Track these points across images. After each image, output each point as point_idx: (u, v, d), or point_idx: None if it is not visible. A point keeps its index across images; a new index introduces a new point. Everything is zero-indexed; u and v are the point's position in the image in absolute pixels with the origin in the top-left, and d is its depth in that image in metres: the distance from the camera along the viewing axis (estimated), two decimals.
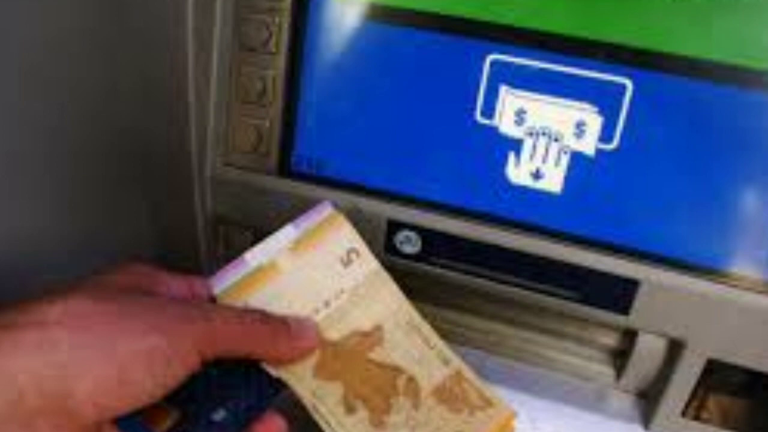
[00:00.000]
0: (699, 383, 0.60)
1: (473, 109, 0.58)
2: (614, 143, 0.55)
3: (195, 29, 0.60)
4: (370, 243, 0.52)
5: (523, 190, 0.58)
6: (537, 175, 0.58)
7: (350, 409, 0.46)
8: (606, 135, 0.55)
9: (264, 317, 0.45)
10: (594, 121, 0.55)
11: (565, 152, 0.56)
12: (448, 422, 0.47)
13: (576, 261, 0.58)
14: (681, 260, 0.56)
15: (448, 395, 0.48)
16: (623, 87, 0.54)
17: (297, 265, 0.50)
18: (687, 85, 0.52)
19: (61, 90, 0.55)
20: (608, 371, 0.68)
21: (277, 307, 0.48)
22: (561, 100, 0.55)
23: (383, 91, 0.60)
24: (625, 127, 0.54)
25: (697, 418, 0.62)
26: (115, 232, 0.65)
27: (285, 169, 0.64)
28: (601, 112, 0.55)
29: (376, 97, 0.60)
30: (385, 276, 0.51)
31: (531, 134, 0.57)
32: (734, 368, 0.58)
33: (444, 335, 0.51)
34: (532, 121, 0.57)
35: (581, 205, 0.57)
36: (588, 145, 0.56)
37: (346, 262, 0.51)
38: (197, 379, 0.41)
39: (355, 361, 0.48)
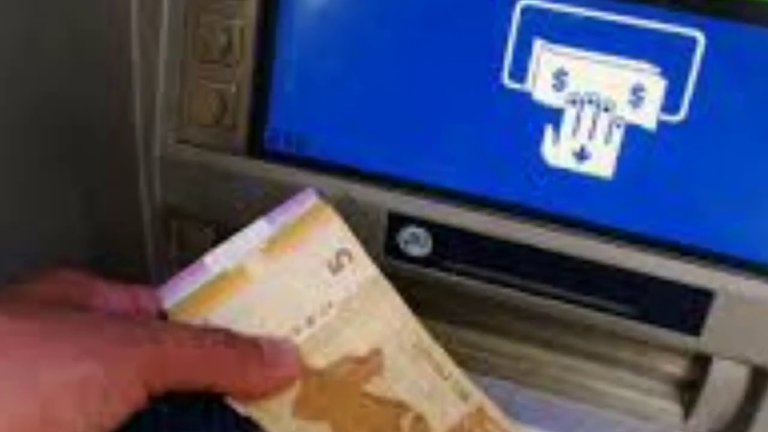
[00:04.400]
0: None
1: (500, 69, 0.58)
2: (681, 114, 0.55)
3: None
4: (367, 242, 0.52)
5: (564, 174, 0.59)
6: (582, 155, 0.58)
7: None
8: (671, 103, 0.55)
9: (229, 338, 0.45)
10: (655, 86, 0.55)
11: (618, 125, 0.57)
12: None
13: (632, 266, 0.58)
14: (766, 266, 0.56)
15: None
16: (692, 41, 0.54)
17: (272, 270, 0.50)
18: None
19: None
20: (674, 408, 0.68)
21: (246, 325, 0.48)
22: (612, 59, 0.56)
23: (383, 46, 0.60)
24: (695, 93, 0.55)
25: None
26: (38, 228, 0.65)
27: (256, 148, 0.64)
28: (665, 73, 0.55)
29: (374, 54, 0.60)
30: (386, 285, 0.52)
31: (574, 102, 0.57)
32: None
33: (462, 362, 0.51)
34: (575, 85, 0.57)
35: (638, 193, 0.57)
36: (648, 117, 0.56)
37: (336, 268, 0.51)
38: (143, 418, 0.41)
39: (346, 396, 0.48)
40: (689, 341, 0.59)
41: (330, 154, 0.63)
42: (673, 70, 0.55)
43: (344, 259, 0.51)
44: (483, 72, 0.58)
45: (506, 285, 0.62)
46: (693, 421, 0.66)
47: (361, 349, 0.50)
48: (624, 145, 0.57)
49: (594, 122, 0.57)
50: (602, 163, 0.58)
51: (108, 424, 0.39)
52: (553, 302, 0.61)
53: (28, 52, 0.60)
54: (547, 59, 0.57)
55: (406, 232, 0.62)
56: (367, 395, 0.49)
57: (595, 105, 0.57)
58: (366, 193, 0.62)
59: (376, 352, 0.50)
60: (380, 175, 0.62)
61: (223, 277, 0.50)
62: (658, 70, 0.55)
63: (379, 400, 0.49)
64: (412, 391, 0.49)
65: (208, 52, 0.63)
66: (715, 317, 0.58)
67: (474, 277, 0.62)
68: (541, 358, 0.71)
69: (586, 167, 0.58)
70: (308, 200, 0.52)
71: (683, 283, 0.58)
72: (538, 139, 0.58)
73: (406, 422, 0.48)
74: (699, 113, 0.55)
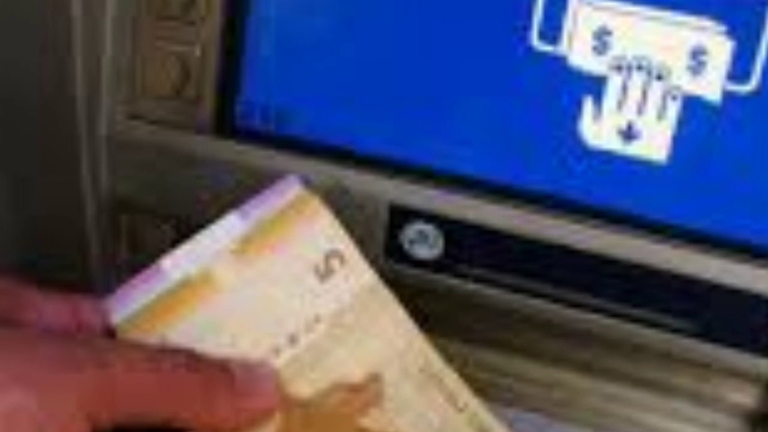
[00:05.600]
0: None
1: (527, 28, 0.58)
2: (752, 83, 0.55)
3: None
4: (363, 242, 0.52)
5: (607, 157, 0.59)
6: (629, 134, 0.58)
7: None
8: (739, 70, 0.55)
9: (192, 361, 0.45)
10: (720, 48, 0.55)
11: (674, 97, 0.57)
12: None
13: (691, 271, 0.58)
14: None
15: None
16: None
17: (245, 277, 0.50)
18: None
19: None
20: None
21: (214, 344, 0.48)
22: (667, 15, 0.56)
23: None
24: None
25: None
26: None
27: (226, 125, 0.65)
28: (732, 33, 0.55)
29: (371, 9, 0.60)
30: (386, 295, 0.52)
31: (619, 68, 0.57)
32: None
33: (481, 390, 0.51)
34: (620, 47, 0.57)
35: (699, 181, 0.58)
36: (711, 86, 0.56)
37: (324, 273, 0.51)
38: None
39: (338, 431, 0.48)
40: (762, 364, 0.60)
41: (317, 133, 0.63)
42: (742, 28, 0.55)
43: (335, 263, 0.51)
44: (507, 32, 0.58)
45: (535, 294, 0.62)
46: None
47: (356, 374, 0.50)
48: (682, 122, 0.57)
49: (644, 93, 0.57)
50: (655, 144, 0.58)
51: None
52: (594, 316, 0.62)
53: None
54: (586, 16, 0.57)
55: (412, 230, 0.62)
56: (363, 431, 0.49)
57: (645, 72, 0.57)
58: (362, 181, 0.62)
59: (375, 378, 0.50)
60: (379, 160, 0.62)
61: (185, 284, 0.50)
62: (723, 28, 0.55)
63: None
64: (419, 427, 0.49)
65: (166, 6, 0.63)
66: None
67: (495, 285, 0.63)
68: (579, 385, 0.71)
69: (635, 149, 0.58)
70: (290, 190, 0.52)
71: (755, 292, 0.58)
72: (575, 114, 0.58)
73: None
74: None
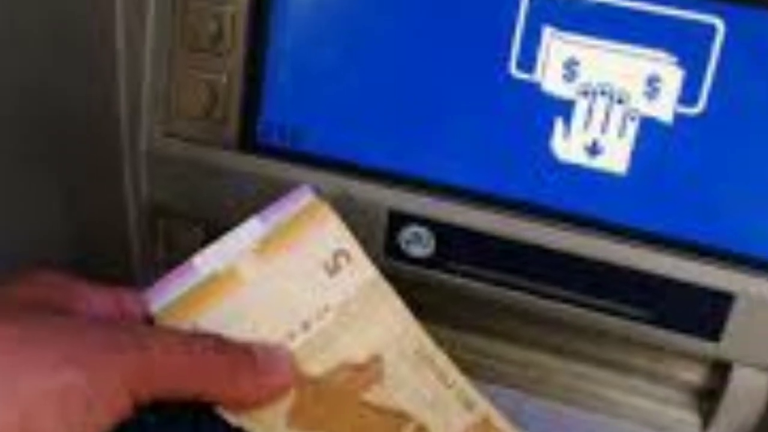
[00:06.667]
0: None
1: (507, 59, 0.58)
2: (699, 106, 0.55)
3: None
4: (366, 242, 0.52)
5: (575, 170, 0.59)
6: (594, 150, 0.58)
7: None
8: (688, 94, 0.55)
9: (219, 344, 0.45)
10: (672, 76, 0.55)
11: (633, 118, 0.57)
12: None
13: (647, 267, 0.58)
14: None
15: None
16: (711, 29, 0.54)
17: (265, 272, 0.50)
18: None
19: None
20: (692, 418, 0.68)
21: (238, 330, 0.48)
22: (627, 47, 0.56)
23: (383, 34, 0.60)
24: (714, 84, 0.55)
25: None
26: (17, 228, 0.65)
27: (248, 142, 0.64)
28: (682, 63, 0.55)
29: (373, 43, 0.60)
30: (386, 288, 0.52)
31: (585, 94, 0.57)
32: None
33: (467, 369, 0.51)
34: (586, 75, 0.57)
35: (654, 190, 0.58)
36: (664, 109, 0.56)
37: (333, 269, 0.51)
38: (129, 429, 0.41)
39: (344, 405, 0.48)
40: (708, 347, 0.59)
41: (327, 149, 0.63)
42: (691, 59, 0.55)
43: (342, 260, 0.51)
44: (489, 61, 0.58)
45: (514, 287, 0.62)
46: (712, 431, 0.67)
47: (360, 355, 0.50)
48: (639, 139, 0.57)
49: (607, 115, 0.57)
50: (616, 158, 0.58)
51: None
52: (564, 306, 0.61)
53: (6, 39, 0.60)
54: (557, 48, 0.57)
55: (408, 232, 0.62)
56: (366, 404, 0.49)
57: (608, 96, 0.57)
58: (365, 190, 0.62)
59: (376, 359, 0.50)
60: (380, 171, 0.62)
61: (214, 279, 0.50)
62: (674, 59, 0.55)
63: (379, 410, 0.49)
64: (414, 401, 0.49)
65: (197, 40, 0.63)
66: (735, 322, 0.58)
67: (479, 279, 0.62)
68: (551, 365, 0.71)
69: (599, 162, 0.58)
70: (303, 198, 0.52)
71: (702, 285, 0.58)
72: (547, 132, 0.58)
73: None
74: (718, 105, 0.55)
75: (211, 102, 0.64)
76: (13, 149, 0.63)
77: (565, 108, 0.58)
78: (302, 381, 0.48)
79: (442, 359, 0.51)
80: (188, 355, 0.43)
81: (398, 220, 0.62)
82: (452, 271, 0.63)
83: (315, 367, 0.49)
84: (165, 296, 0.49)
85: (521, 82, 0.58)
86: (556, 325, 0.67)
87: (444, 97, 0.59)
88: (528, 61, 0.57)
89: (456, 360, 0.51)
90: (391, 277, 0.52)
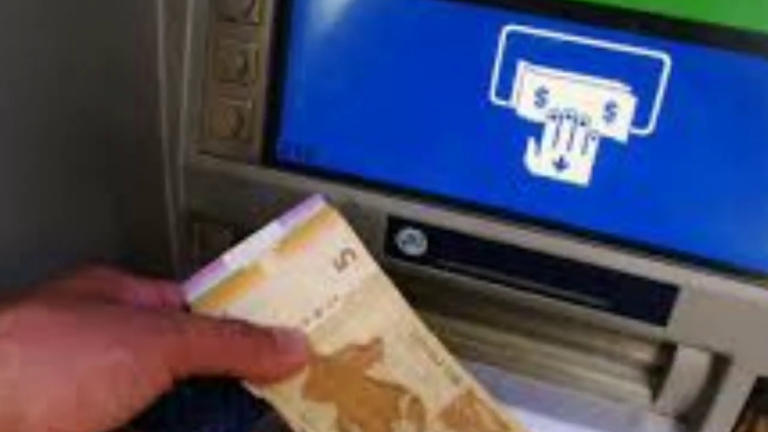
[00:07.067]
0: (747, 405, 0.60)
1: (487, 88, 0.58)
2: (650, 128, 0.55)
3: None
4: (368, 243, 0.52)
5: (545, 181, 0.58)
6: (560, 165, 0.58)
7: None
8: (640, 118, 0.55)
9: (245, 328, 0.45)
10: (626, 102, 0.55)
11: (593, 138, 0.56)
12: None
13: (606, 263, 0.58)
14: (727, 263, 0.56)
15: (458, 418, 0.48)
16: (660, 63, 0.54)
17: (283, 268, 0.50)
18: (734, 61, 0.52)
19: (9, 67, 0.55)
20: (643, 391, 0.68)
21: (261, 316, 0.48)
22: (588, 78, 0.55)
23: (383, 67, 0.60)
24: (662, 109, 0.54)
25: None
26: (74, 230, 0.65)
27: (270, 158, 0.64)
28: (635, 91, 0.55)
29: (374, 75, 0.60)
30: (386, 281, 0.52)
31: (554, 117, 0.57)
32: None
33: (453, 349, 0.51)
34: (554, 102, 0.57)
35: (612, 198, 0.57)
36: (620, 130, 0.56)
37: (341, 265, 0.51)
38: (168, 400, 0.41)
39: (350, 379, 0.48)
40: (657, 331, 0.59)
41: (335, 164, 0.63)
42: (643, 88, 0.55)
43: (348, 258, 0.51)
44: (473, 90, 0.58)
45: (493, 281, 0.62)
46: (660, 402, 0.66)
47: (364, 337, 0.50)
48: (598, 156, 0.57)
49: (572, 135, 0.57)
50: (579, 171, 0.58)
51: (137, 405, 0.39)
52: (535, 296, 0.61)
53: (67, 73, 0.60)
54: (529, 79, 0.57)
55: (404, 234, 0.62)
56: (368, 379, 0.49)
57: (572, 120, 0.57)
58: (368, 199, 0.62)
59: (377, 341, 0.50)
60: (380, 183, 0.62)
61: (240, 273, 0.50)
62: (629, 88, 0.55)
63: (380, 384, 0.49)
64: (409, 376, 0.49)
65: (226, 72, 0.63)
66: (680, 309, 0.57)
67: (464, 274, 0.62)
68: (525, 346, 0.71)
69: (565, 175, 0.58)
70: (316, 205, 0.52)
71: (652, 278, 0.57)
72: (521, 150, 0.58)
73: (403, 404, 0.48)
74: (665, 127, 0.55)
75: (238, 124, 0.64)
76: (72, 164, 0.63)
77: (536, 129, 0.58)
78: (315, 359, 0.48)
79: (432, 341, 0.51)
80: (219, 337, 0.43)
81: (396, 223, 0.62)
82: (441, 267, 0.63)
83: (326, 347, 0.49)
84: (199, 288, 0.49)
85: (499, 107, 0.58)
86: (528, 313, 0.66)
87: (435, 119, 0.59)
88: (505, 90, 0.57)
89: (444, 342, 0.51)
90: (390, 272, 0.52)
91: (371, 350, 0.50)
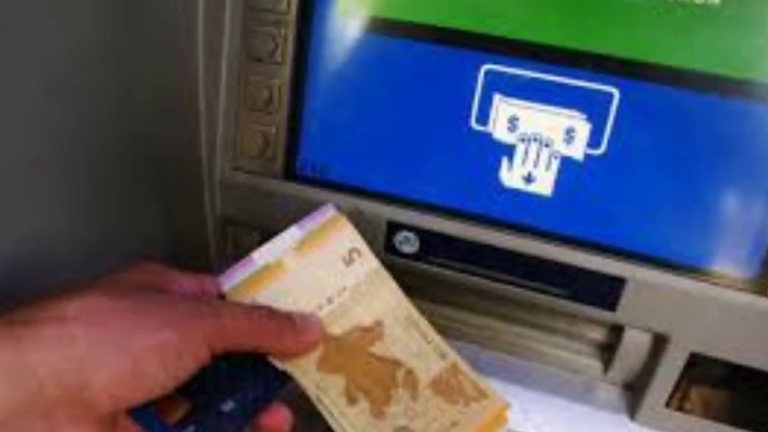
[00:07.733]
0: (682, 376, 0.60)
1: (468, 116, 0.58)
2: (602, 149, 0.55)
3: (205, 40, 0.60)
4: (371, 243, 0.52)
5: (516, 193, 0.58)
6: (529, 179, 0.58)
7: (352, 401, 0.46)
8: (594, 141, 0.55)
9: (270, 313, 0.45)
10: (583, 128, 0.55)
11: (556, 157, 0.56)
12: (444, 412, 0.47)
13: (565, 260, 0.58)
14: (665, 259, 0.56)
15: (445, 387, 0.48)
16: (610, 95, 0.54)
17: (302, 263, 0.50)
18: (671, 94, 0.52)
19: (78, 98, 0.55)
20: (596, 364, 0.68)
21: (283, 303, 0.48)
22: (551, 108, 0.55)
23: (383, 99, 0.60)
24: (612, 134, 0.54)
25: (680, 408, 0.62)
26: (130, 233, 0.65)
27: (290, 173, 0.64)
28: (590, 119, 0.55)
29: (376, 105, 0.60)
30: (385, 274, 0.51)
31: (523, 140, 0.57)
32: (715, 361, 0.58)
33: (441, 330, 0.51)
34: (524, 127, 0.57)
35: (570, 207, 0.57)
36: (577, 151, 0.56)
37: (348, 261, 0.51)
38: (207, 371, 0.41)
39: (356, 355, 0.48)
40: (607, 315, 0.59)
41: (344, 178, 0.63)
42: (596, 116, 0.55)
43: (354, 255, 0.51)
44: (456, 118, 0.58)
45: (474, 274, 0.62)
46: (610, 374, 0.66)
47: (367, 321, 0.50)
48: (560, 172, 0.57)
49: (538, 155, 0.57)
50: (544, 184, 0.57)
51: (182, 376, 0.39)
52: (508, 287, 0.61)
53: (124, 103, 0.60)
54: (503, 108, 0.57)
55: (401, 235, 0.62)
56: (371, 355, 0.49)
57: (538, 142, 0.57)
58: (371, 207, 0.62)
59: (378, 323, 0.50)
60: (381, 193, 0.62)
61: (266, 268, 0.49)
62: (584, 116, 0.55)
63: (380, 359, 0.48)
64: (405, 352, 0.49)
65: (255, 103, 0.63)
66: (626, 297, 0.57)
67: (450, 269, 0.62)
68: (499, 327, 0.71)
69: (532, 188, 0.58)
70: (328, 212, 0.52)
71: (603, 272, 0.57)
72: (496, 167, 0.58)
73: (400, 375, 0.48)
74: (615, 148, 0.55)
75: (264, 146, 0.64)
76: (127, 179, 0.63)
77: (509, 150, 0.58)
78: (327, 338, 0.48)
79: (424, 323, 0.51)
80: (249, 320, 0.43)
81: (394, 227, 0.62)
82: (431, 263, 0.62)
83: (336, 329, 0.49)
84: (233, 280, 0.49)
85: (478, 132, 0.58)
86: (502, 300, 0.66)
87: (425, 142, 0.59)
88: (483, 118, 0.57)
89: (433, 324, 0.51)
90: (389, 267, 0.52)
91: (373, 331, 0.50)
